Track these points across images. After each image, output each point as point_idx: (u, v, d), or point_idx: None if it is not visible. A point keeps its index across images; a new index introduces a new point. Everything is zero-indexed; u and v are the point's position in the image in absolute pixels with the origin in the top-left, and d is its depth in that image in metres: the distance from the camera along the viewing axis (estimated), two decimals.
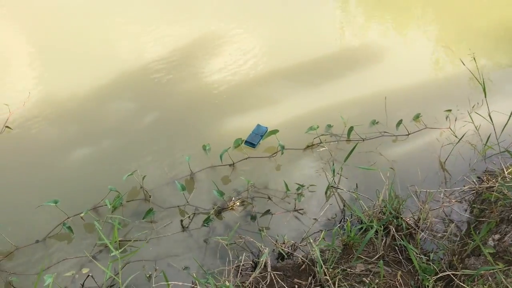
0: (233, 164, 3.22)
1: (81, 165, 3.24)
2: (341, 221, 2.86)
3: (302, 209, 2.94)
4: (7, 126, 3.43)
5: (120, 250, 2.05)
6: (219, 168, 3.20)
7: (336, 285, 2.34)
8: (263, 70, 4.10)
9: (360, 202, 2.82)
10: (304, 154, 3.33)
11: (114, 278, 2.41)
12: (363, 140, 3.40)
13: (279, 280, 2.44)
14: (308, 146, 3.35)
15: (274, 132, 3.24)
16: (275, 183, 3.11)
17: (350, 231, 2.60)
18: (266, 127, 3.43)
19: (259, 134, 3.39)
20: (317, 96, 3.81)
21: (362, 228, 2.68)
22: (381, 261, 2.40)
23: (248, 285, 2.41)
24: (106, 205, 2.77)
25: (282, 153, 3.25)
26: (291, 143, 3.34)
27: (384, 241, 2.60)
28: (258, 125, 3.45)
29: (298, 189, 2.98)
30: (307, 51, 4.28)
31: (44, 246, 2.71)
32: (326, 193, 3.02)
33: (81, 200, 2.92)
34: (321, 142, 3.37)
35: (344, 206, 2.91)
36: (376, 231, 2.60)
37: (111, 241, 2.04)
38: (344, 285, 2.37)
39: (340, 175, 3.08)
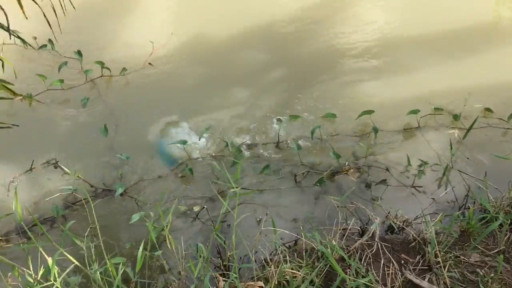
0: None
1: (210, 107, 3.42)
2: (461, 207, 2.70)
3: (421, 187, 2.83)
4: (149, 63, 3.71)
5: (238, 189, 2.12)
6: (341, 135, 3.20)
7: (446, 269, 2.25)
8: (395, 35, 3.91)
9: (487, 191, 2.63)
10: (431, 133, 3.17)
11: (225, 215, 2.57)
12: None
13: (386, 251, 2.41)
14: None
15: (369, 112, 3.11)
16: (396, 157, 3.02)
17: (471, 219, 2.45)
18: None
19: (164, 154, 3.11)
20: (454, 70, 3.55)
21: (484, 218, 2.50)
22: (501, 256, 2.24)
23: (353, 249, 2.41)
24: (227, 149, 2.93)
25: (375, 137, 3.12)
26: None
27: (508, 236, 2.42)
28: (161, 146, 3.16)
29: (420, 165, 2.86)
30: (452, 18, 3.95)
31: (165, 182, 2.95)
32: (444, 173, 2.86)
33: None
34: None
35: (468, 192, 2.74)
36: (501, 224, 2.42)
37: (232, 177, 2.15)
38: (455, 271, 2.26)
39: (467, 158, 2.89)
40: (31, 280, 1.90)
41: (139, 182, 2.88)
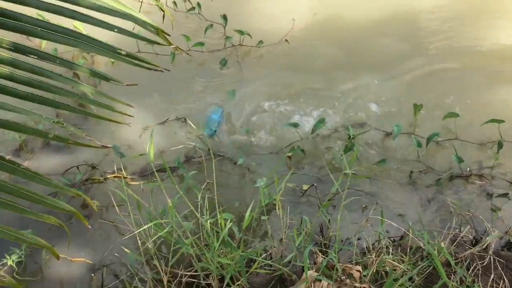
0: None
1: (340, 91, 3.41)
2: None
3: None
4: (286, 40, 3.80)
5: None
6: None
7: None
8: None
9: None
10: None
11: (333, 195, 2.59)
12: None
13: (499, 267, 2.24)
14: None
15: (499, 121, 2.78)
16: None
17: None
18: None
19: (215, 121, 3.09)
20: None
21: None
22: None
23: (461, 257, 2.29)
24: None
25: (497, 152, 2.79)
26: None
27: None
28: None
29: None
30: None
31: (277, 157, 3.02)
32: None
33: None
34: None
35: None
36: None
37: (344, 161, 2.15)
38: None
39: None
40: (152, 213, 2.11)
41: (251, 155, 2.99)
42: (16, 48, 1.02)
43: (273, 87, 3.46)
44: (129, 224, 2.23)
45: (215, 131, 3.08)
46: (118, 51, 1.05)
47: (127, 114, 1.20)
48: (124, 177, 2.71)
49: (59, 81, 1.08)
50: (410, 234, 2.31)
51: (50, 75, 1.05)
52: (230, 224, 2.12)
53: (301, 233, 2.19)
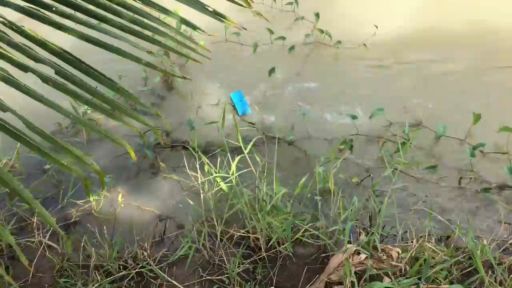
0: None
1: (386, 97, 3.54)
2: None
3: None
4: (364, 44, 4.00)
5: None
6: None
7: None
8: None
9: None
10: None
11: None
12: None
13: None
14: None
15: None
16: None
17: None
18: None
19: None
20: None
21: None
22: None
23: (505, 262, 2.32)
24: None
25: None
26: None
27: None
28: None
29: None
30: None
31: (330, 144, 3.19)
32: None
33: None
34: None
35: None
36: None
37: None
38: None
39: None
40: (215, 173, 2.37)
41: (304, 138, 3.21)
42: None
43: (336, 84, 3.66)
44: (193, 179, 2.52)
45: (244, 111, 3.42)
46: (206, 7, 1.28)
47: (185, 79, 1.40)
48: (193, 148, 3.03)
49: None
50: (456, 231, 2.38)
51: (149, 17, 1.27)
52: (284, 190, 2.33)
53: (347, 210, 2.35)
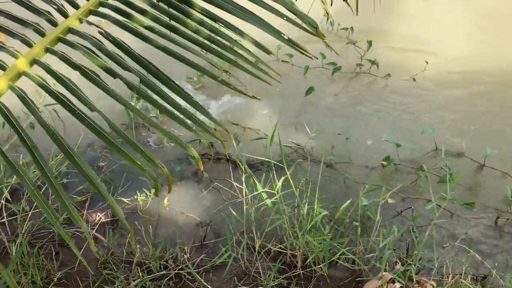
0: None
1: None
2: None
3: None
4: (413, 79, 4.05)
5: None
6: None
7: None
8: None
9: None
10: None
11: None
12: None
13: None
14: None
15: None
16: None
17: None
18: None
19: None
20: None
21: None
22: None
23: None
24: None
25: None
26: None
27: None
28: None
29: None
30: None
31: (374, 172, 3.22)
32: None
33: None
34: None
35: None
36: None
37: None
38: None
39: None
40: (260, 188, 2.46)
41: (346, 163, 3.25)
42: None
43: (380, 111, 3.71)
44: (236, 191, 2.62)
45: None
46: (282, 35, 1.38)
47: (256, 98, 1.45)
48: (239, 161, 3.12)
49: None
50: (494, 272, 2.36)
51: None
52: (325, 212, 2.39)
53: (386, 238, 2.38)
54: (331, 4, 1.70)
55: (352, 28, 4.49)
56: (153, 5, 1.38)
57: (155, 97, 1.29)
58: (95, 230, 2.64)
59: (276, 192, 2.37)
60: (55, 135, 1.19)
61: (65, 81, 1.27)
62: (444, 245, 2.62)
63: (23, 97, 1.23)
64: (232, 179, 2.71)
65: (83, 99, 1.25)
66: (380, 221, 2.65)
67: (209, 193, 2.99)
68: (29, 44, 1.33)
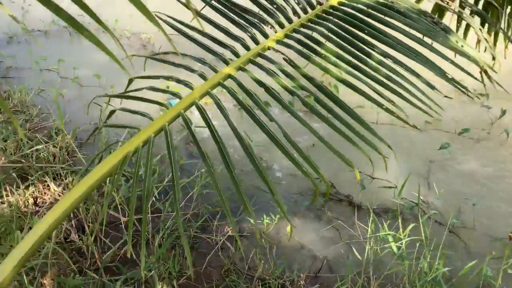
0: None
1: None
2: None
3: None
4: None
5: None
6: None
7: None
8: None
9: None
10: None
11: None
12: None
13: None
14: None
15: None
16: None
17: None
18: None
19: None
20: None
21: None
22: None
23: None
24: None
25: None
26: None
27: None
28: None
29: None
30: None
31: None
32: None
33: None
34: None
35: None
36: None
37: None
38: None
39: None
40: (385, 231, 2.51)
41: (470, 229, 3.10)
42: None
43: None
44: (359, 232, 2.69)
45: None
46: (446, 74, 1.50)
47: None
48: (369, 206, 3.20)
49: None
50: None
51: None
52: (446, 269, 2.36)
53: None
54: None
55: (488, 95, 4.30)
56: (338, 46, 1.61)
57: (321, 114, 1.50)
58: (221, 240, 2.89)
59: (402, 237, 2.41)
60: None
61: (251, 94, 1.54)
62: None
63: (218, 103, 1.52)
64: (356, 220, 2.80)
65: (263, 109, 1.50)
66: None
67: (328, 230, 3.09)
68: (226, 62, 1.64)
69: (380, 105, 1.45)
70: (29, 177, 3.20)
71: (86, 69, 4.86)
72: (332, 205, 3.35)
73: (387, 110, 1.44)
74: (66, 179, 3.25)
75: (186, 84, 1.60)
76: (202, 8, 1.74)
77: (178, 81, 1.62)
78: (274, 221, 3.06)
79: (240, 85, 1.56)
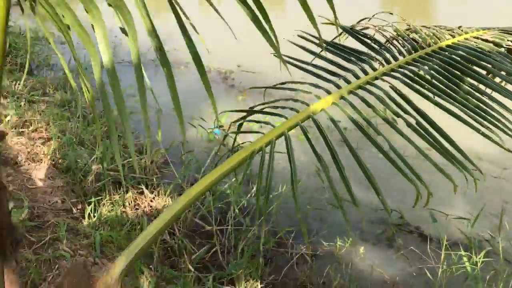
0: None
1: None
2: None
3: None
4: None
5: None
6: None
7: None
8: None
9: None
10: None
11: None
12: None
13: None
14: None
15: None
16: None
17: None
18: None
19: None
20: None
21: None
22: None
23: None
24: None
25: None
26: None
27: None
28: None
29: None
30: None
31: None
32: None
33: None
34: None
35: None
36: None
37: None
38: None
39: None
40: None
41: None
42: None
43: None
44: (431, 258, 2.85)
45: None
46: None
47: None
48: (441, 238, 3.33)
49: None
50: None
51: None
52: None
53: None
54: None
55: None
56: (432, 76, 1.88)
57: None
58: (297, 255, 3.11)
59: (477, 259, 2.54)
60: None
61: (361, 113, 1.82)
62: None
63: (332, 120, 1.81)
64: (429, 250, 2.96)
65: (375, 129, 1.77)
66: None
67: (399, 257, 3.24)
68: (338, 86, 1.94)
69: (477, 130, 1.68)
70: (125, 184, 3.59)
71: (166, 97, 5.33)
72: (402, 235, 3.50)
73: (483, 134, 1.67)
74: (157, 188, 3.62)
75: (303, 103, 1.90)
76: (321, 51, 2.02)
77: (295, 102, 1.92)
78: (347, 243, 3.25)
79: (351, 104, 1.85)
